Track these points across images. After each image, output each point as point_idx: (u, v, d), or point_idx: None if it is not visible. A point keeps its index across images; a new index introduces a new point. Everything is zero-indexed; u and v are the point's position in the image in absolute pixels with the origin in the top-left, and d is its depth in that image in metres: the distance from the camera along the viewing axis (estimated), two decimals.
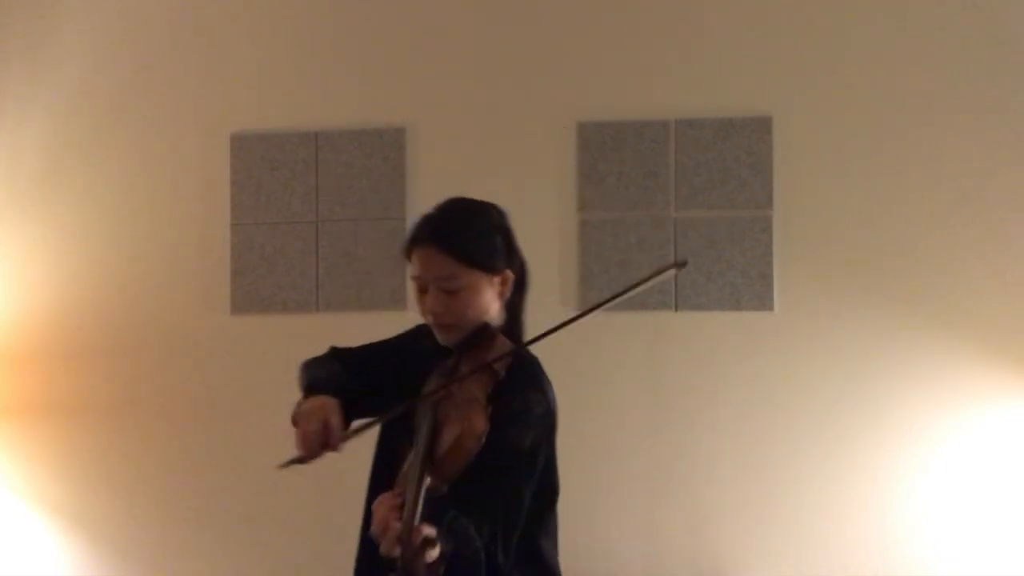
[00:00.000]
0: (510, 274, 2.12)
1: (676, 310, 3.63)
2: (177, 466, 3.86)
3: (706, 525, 3.60)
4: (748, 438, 3.59)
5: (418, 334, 2.21)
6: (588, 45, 3.74)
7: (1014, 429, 3.46)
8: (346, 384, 2.14)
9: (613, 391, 3.63)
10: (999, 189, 3.51)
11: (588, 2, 3.76)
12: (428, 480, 1.81)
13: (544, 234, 3.65)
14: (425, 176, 3.78)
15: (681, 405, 3.63)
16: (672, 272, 2.13)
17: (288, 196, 3.84)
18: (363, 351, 2.29)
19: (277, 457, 3.94)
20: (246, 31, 3.92)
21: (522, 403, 1.99)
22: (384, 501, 1.82)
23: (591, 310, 2.08)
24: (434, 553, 1.70)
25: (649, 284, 2.09)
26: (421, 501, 1.74)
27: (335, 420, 2.03)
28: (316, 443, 2.02)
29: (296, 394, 3.88)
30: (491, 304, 2.10)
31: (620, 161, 3.67)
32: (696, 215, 3.63)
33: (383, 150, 3.80)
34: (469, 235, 2.07)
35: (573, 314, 2.09)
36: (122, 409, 3.89)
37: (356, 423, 2.09)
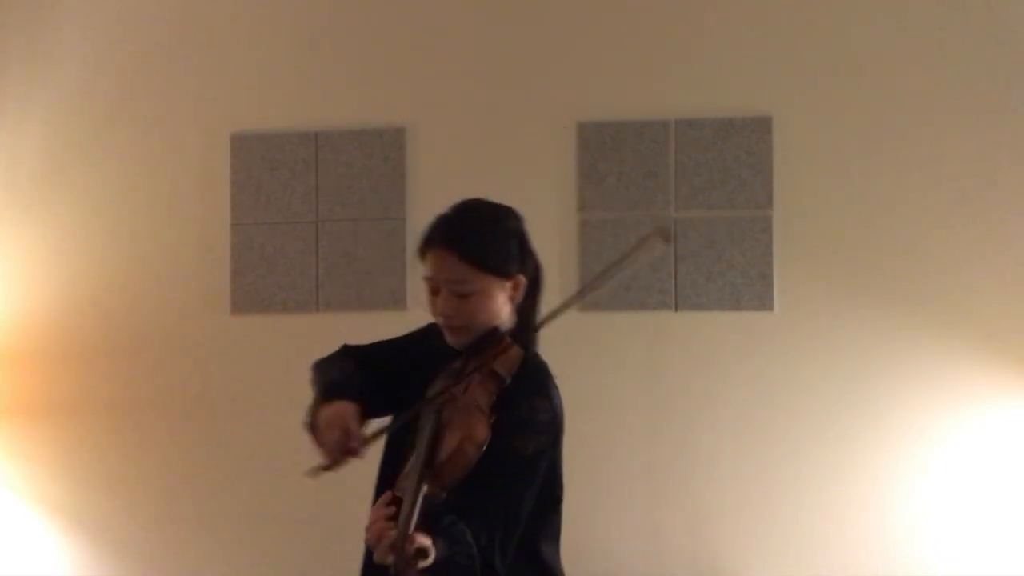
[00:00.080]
0: (523, 279, 2.11)
1: (676, 310, 3.63)
2: (177, 466, 3.86)
3: (706, 525, 3.60)
4: (748, 438, 3.59)
5: (429, 333, 2.20)
6: (588, 45, 3.74)
7: (1014, 429, 3.46)
8: (361, 384, 2.13)
9: (613, 391, 3.63)
10: (999, 189, 3.51)
11: (588, 2, 3.76)
12: (426, 488, 1.81)
13: (544, 234, 3.59)
14: (425, 176, 3.78)
15: (681, 405, 3.63)
16: (661, 247, 2.11)
17: (288, 196, 3.84)
18: (375, 348, 2.28)
19: (277, 457, 3.97)
20: (246, 31, 3.92)
21: (527, 410, 1.98)
22: (380, 508, 1.82)
23: (581, 292, 2.07)
24: (427, 561, 1.70)
25: (635, 258, 2.07)
26: (418, 509, 1.73)
27: (355, 426, 2.02)
28: (339, 451, 2.00)
29: (298, 395, 3.87)
30: (502, 309, 2.09)
31: (620, 161, 3.67)
32: (696, 215, 3.63)
33: (383, 150, 3.80)
34: (484, 239, 2.06)
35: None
36: (122, 409, 3.89)
37: (374, 427, 2.08)
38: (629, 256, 2.07)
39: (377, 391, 2.14)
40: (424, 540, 1.70)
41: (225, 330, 3.86)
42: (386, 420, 2.10)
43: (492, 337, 2.06)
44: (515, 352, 2.04)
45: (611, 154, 3.67)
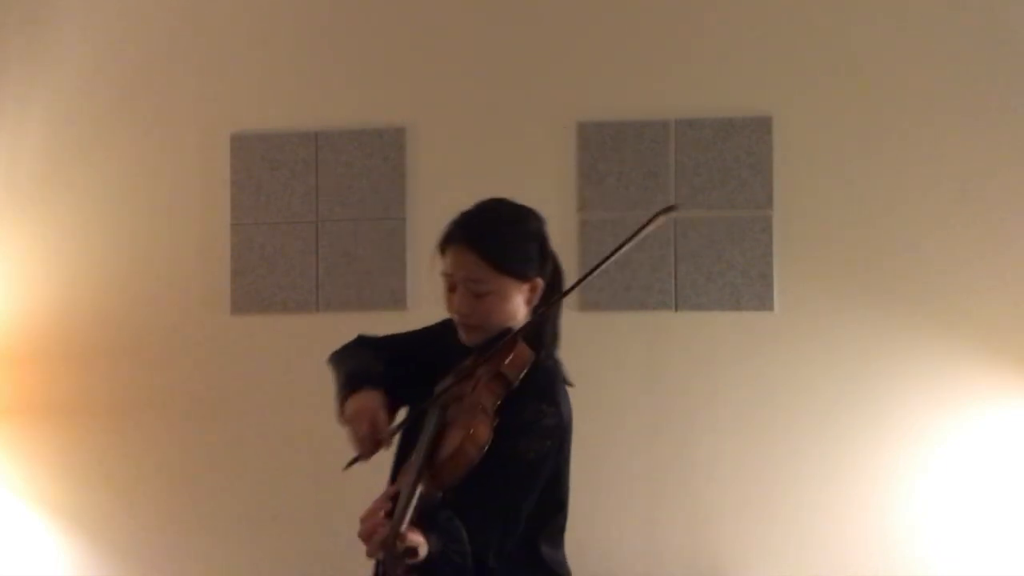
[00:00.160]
0: (540, 282, 2.11)
1: (676, 310, 3.63)
2: (177, 466, 3.86)
3: (706, 525, 3.60)
4: (748, 438, 3.59)
5: (445, 329, 2.20)
6: (588, 45, 3.74)
7: (1014, 429, 3.46)
8: (382, 371, 2.14)
9: (613, 391, 3.63)
10: (999, 189, 3.51)
11: (588, 2, 3.76)
12: (423, 486, 1.81)
13: None
14: (425, 176, 3.78)
15: (681, 405, 3.63)
16: (661, 219, 2.11)
17: (288, 196, 3.84)
18: (390, 341, 2.29)
19: (277, 457, 3.97)
20: (246, 31, 3.92)
21: (533, 413, 1.98)
22: (378, 502, 1.82)
23: (592, 272, 2.08)
24: (419, 558, 1.70)
25: (644, 232, 2.08)
26: (412, 507, 1.73)
27: (382, 416, 2.04)
28: (369, 444, 2.02)
29: (298, 395, 3.88)
30: (518, 310, 2.09)
31: (620, 161, 3.67)
32: (696, 215, 3.63)
33: (383, 150, 3.80)
34: (504, 241, 2.07)
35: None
36: (122, 409, 3.89)
37: (397, 418, 2.09)
38: (636, 235, 2.07)
39: (393, 383, 2.14)
40: (416, 538, 1.70)
41: (225, 330, 3.85)
42: (403, 412, 2.11)
43: (504, 338, 2.05)
44: (526, 355, 2.03)
45: (611, 154, 3.67)
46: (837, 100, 3.60)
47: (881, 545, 3.52)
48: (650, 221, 2.08)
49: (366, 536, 1.74)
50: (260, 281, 3.83)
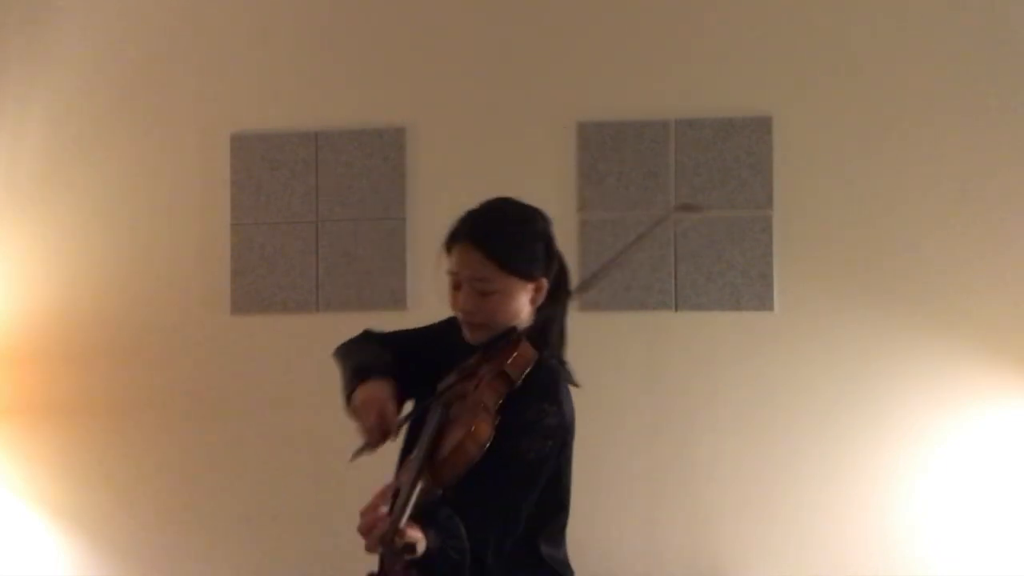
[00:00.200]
0: (545, 282, 2.12)
1: (676, 310, 3.63)
2: (177, 466, 3.86)
3: (706, 525, 3.60)
4: (748, 438, 3.59)
5: (449, 327, 2.20)
6: (588, 45, 3.74)
7: (1014, 429, 3.46)
8: (391, 362, 2.15)
9: (613, 391, 3.63)
10: (999, 189, 3.52)
11: (588, 2, 3.76)
12: (423, 483, 1.82)
13: None
14: (425, 176, 3.78)
15: (681, 405, 3.63)
16: (671, 216, 2.12)
17: (288, 196, 3.84)
18: (395, 336, 2.30)
19: (277, 457, 3.97)
20: (246, 31, 3.92)
21: (535, 413, 1.99)
22: (378, 497, 1.82)
23: (604, 268, 2.08)
24: (417, 553, 1.71)
25: (652, 230, 2.08)
26: (412, 503, 1.74)
27: (391, 407, 2.05)
28: (377, 434, 2.02)
29: (298, 395, 3.88)
30: (522, 310, 2.10)
31: (620, 161, 3.67)
32: (696, 215, 3.62)
33: (383, 150, 3.80)
34: (511, 240, 2.07)
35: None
36: (122, 409, 3.89)
37: (404, 410, 2.10)
38: (647, 234, 2.08)
39: (399, 378, 2.14)
40: (415, 534, 1.71)
41: (225, 330, 3.85)
42: (409, 407, 2.12)
43: (508, 337, 2.06)
44: (529, 354, 2.03)
45: (611, 154, 3.67)
46: (837, 100, 3.60)
47: (881, 545, 3.52)
48: (663, 219, 2.09)
49: (366, 531, 1.75)
50: (260, 281, 3.83)
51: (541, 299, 2.12)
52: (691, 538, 3.60)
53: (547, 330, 2.12)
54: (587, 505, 3.66)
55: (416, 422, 2.09)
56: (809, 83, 3.62)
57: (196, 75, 3.93)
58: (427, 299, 3.65)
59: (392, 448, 2.11)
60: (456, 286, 2.10)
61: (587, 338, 3.58)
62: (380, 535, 1.69)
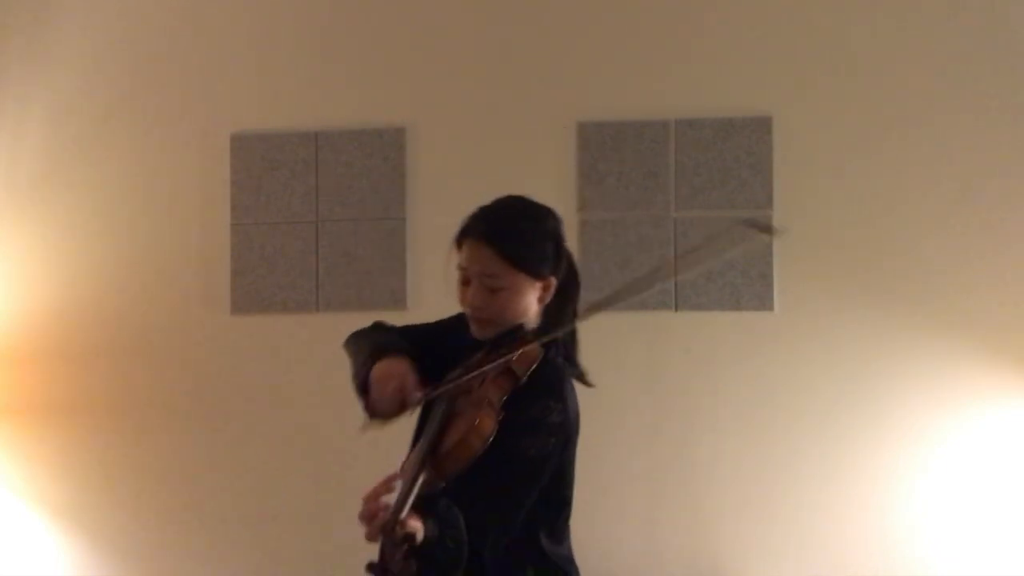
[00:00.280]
0: (554, 281, 2.14)
1: (676, 310, 3.63)
2: (177, 466, 3.86)
3: (706, 525, 3.60)
4: (748, 438, 3.59)
5: (457, 322, 2.22)
6: (588, 45, 3.74)
7: (1014, 429, 3.46)
8: (407, 348, 2.16)
9: (613, 391, 3.62)
10: (999, 189, 3.52)
11: (588, 2, 3.76)
12: (425, 475, 1.83)
13: None
14: (425, 176, 3.78)
15: (681, 405, 3.63)
16: (764, 237, 2.11)
17: (288, 196, 3.84)
18: (405, 329, 2.32)
19: (276, 457, 3.96)
20: (246, 31, 3.92)
21: (539, 410, 2.00)
22: (379, 486, 1.83)
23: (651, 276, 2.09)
24: (418, 538, 1.71)
25: (724, 250, 2.09)
26: (413, 494, 1.75)
27: (411, 380, 2.06)
28: (395, 404, 2.03)
29: (299, 394, 3.88)
30: (530, 307, 2.12)
31: (620, 161, 3.67)
32: (696, 215, 3.63)
33: (383, 150, 3.80)
34: (521, 238, 2.08)
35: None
36: (122, 409, 3.89)
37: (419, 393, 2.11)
38: (718, 249, 2.09)
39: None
40: (415, 524, 1.72)
41: (225, 330, 3.85)
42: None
43: (515, 334, 2.08)
44: (534, 352, 2.05)
45: (611, 154, 3.67)
46: (837, 100, 3.60)
47: (881, 545, 3.52)
48: (738, 236, 2.11)
49: (367, 518, 1.75)
50: (260, 281, 3.83)
51: (549, 298, 2.14)
52: (691, 538, 3.60)
53: (556, 328, 2.13)
54: (587, 505, 3.66)
55: (421, 415, 2.11)
56: (809, 83, 3.62)
57: (196, 75, 3.93)
58: (427, 299, 3.66)
59: (395, 448, 2.11)
60: (465, 282, 2.11)
61: (587, 338, 3.61)
62: (381, 524, 1.70)
